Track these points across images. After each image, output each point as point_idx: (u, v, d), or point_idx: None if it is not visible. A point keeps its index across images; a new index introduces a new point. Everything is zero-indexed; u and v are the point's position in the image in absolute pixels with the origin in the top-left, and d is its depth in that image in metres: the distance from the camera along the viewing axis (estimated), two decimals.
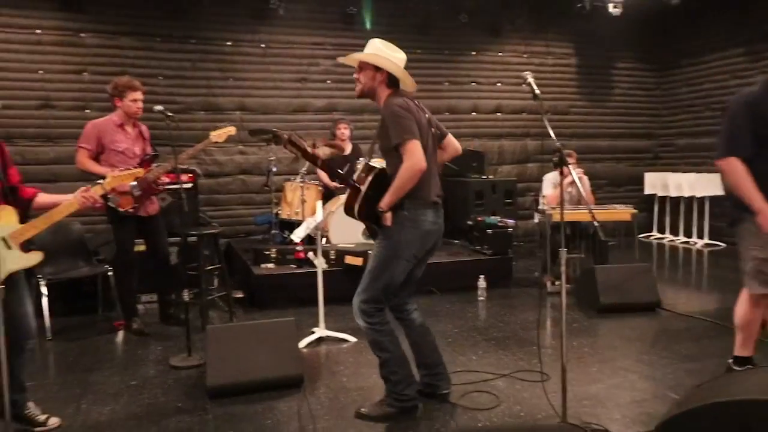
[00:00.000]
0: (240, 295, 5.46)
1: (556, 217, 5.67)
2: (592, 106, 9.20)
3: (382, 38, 3.14)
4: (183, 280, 4.66)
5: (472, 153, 7.76)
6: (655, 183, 9.04)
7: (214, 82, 7.31)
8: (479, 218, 6.21)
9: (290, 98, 7.64)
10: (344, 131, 6.69)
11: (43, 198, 2.83)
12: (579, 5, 7.99)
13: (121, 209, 4.37)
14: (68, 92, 6.73)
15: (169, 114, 4.13)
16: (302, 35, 7.62)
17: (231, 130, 4.78)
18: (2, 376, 2.29)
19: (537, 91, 2.84)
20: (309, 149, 3.19)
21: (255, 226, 7.27)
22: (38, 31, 6.61)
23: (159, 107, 4.24)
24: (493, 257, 5.93)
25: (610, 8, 7.76)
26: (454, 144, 3.25)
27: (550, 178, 6.11)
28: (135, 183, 4.30)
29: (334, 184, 6.67)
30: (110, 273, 4.85)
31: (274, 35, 7.50)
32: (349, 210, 3.01)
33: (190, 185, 5.59)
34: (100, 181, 2.88)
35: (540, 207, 6.01)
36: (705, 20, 8.54)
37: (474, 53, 8.50)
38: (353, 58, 3.05)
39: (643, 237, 9.16)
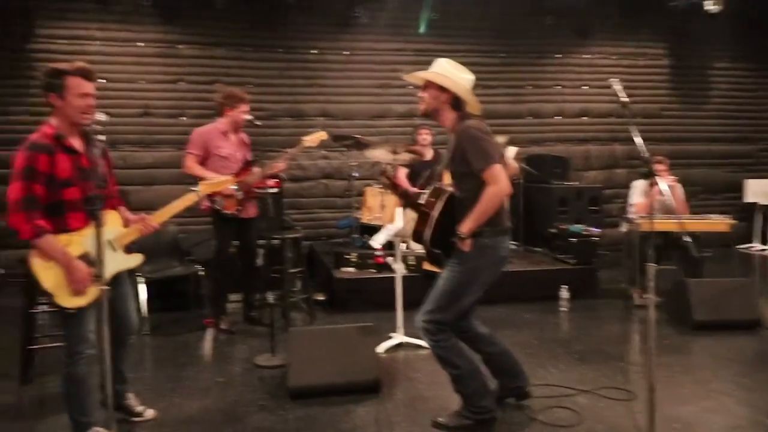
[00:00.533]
0: (321, 297, 5.60)
1: (646, 227, 5.42)
2: (687, 109, 8.71)
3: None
4: (267, 282, 4.86)
5: (556, 158, 7.56)
6: (757, 190, 8.44)
7: (299, 90, 7.53)
8: (562, 226, 6.05)
9: (371, 104, 7.75)
10: (425, 137, 6.68)
11: (122, 214, 2.99)
12: (673, 3, 7.60)
13: (225, 211, 4.60)
14: (165, 101, 7.15)
15: (258, 123, 4.33)
16: (384, 42, 7.72)
17: (323, 135, 4.93)
18: (107, 368, 2.47)
19: (624, 99, 2.74)
20: (402, 188, 3.34)
21: (337, 230, 7.42)
22: (140, 43, 7.07)
23: (248, 116, 4.47)
24: (576, 267, 5.75)
25: (706, 5, 7.33)
26: (511, 164, 3.30)
27: (639, 186, 5.85)
28: (237, 186, 4.55)
29: (415, 189, 6.70)
30: (201, 273, 5.11)
31: (357, 43, 7.64)
32: (418, 237, 3.00)
33: (276, 190, 5.77)
34: (195, 188, 3.04)
35: (628, 215, 5.77)
36: None
37: (559, 56, 8.28)
38: (418, 77, 3.03)
39: (742, 248, 8.57)
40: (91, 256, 2.62)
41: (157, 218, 2.89)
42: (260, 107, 7.31)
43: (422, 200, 3.03)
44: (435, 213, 2.94)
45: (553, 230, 6.23)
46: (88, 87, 2.69)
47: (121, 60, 7.03)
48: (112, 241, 2.75)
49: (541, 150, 8.05)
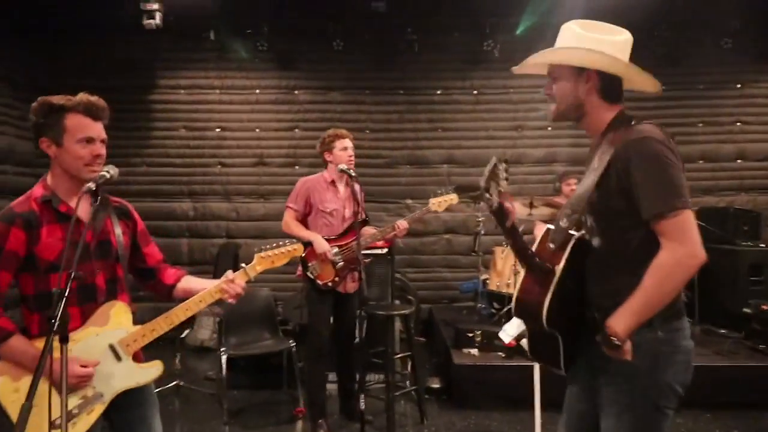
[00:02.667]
0: (436, 384, 4.45)
1: None
2: None
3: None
4: (367, 365, 3.88)
5: (742, 212, 5.86)
6: None
7: (421, 134, 6.64)
8: (764, 306, 4.41)
9: (504, 148, 6.62)
10: (574, 188, 5.40)
11: (187, 283, 2.15)
12: None
13: (319, 282, 3.71)
14: (280, 149, 6.60)
15: (352, 174, 3.45)
16: (519, 78, 6.60)
17: (453, 198, 3.96)
18: None
19: None
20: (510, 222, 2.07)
21: (461, 293, 6.30)
22: (257, 90, 6.63)
23: (342, 166, 3.60)
24: None
25: None
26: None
27: None
28: (338, 251, 3.69)
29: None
30: (293, 348, 4.23)
31: (487, 80, 6.62)
32: (523, 307, 1.83)
33: (384, 251, 4.82)
34: (243, 265, 2.15)
35: None
36: None
37: (739, 86, 6.61)
38: (537, 62, 1.90)
39: None
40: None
41: (183, 313, 2.01)
42: (377, 154, 6.56)
43: (534, 248, 1.88)
44: (558, 268, 1.75)
45: (747, 310, 4.60)
46: (95, 129, 1.91)
47: (238, 108, 6.63)
48: (115, 346, 1.91)
49: (717, 200, 6.39)
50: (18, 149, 6.27)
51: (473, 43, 6.38)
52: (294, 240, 2.25)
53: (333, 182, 3.85)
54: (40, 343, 1.77)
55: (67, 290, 1.55)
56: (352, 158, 3.81)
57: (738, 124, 6.60)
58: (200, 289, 2.04)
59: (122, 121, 6.52)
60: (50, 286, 1.80)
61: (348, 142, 3.82)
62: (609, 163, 1.72)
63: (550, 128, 6.62)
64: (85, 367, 1.81)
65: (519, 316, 1.92)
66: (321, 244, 3.67)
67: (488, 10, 6.14)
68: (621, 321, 1.65)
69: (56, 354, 1.60)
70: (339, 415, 4.00)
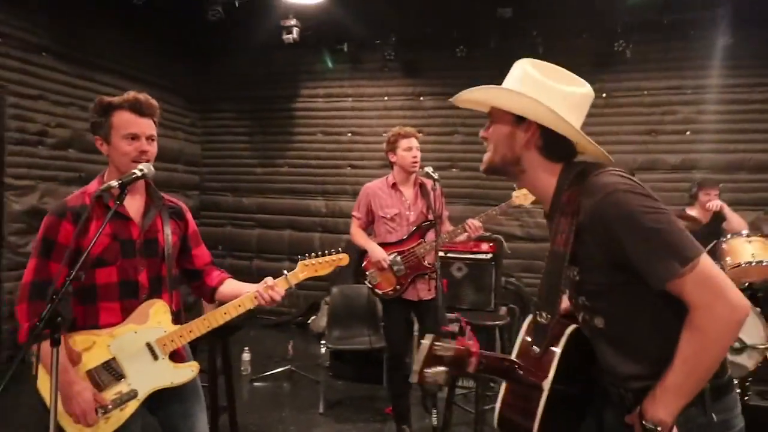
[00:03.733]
0: None
1: None
2: None
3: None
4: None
5: None
6: None
7: None
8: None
9: (635, 154, 5.75)
10: (713, 200, 4.42)
11: (230, 286, 2.00)
12: None
13: (379, 291, 3.33)
14: None
15: (436, 177, 3.04)
16: (654, 79, 5.68)
17: None
18: None
19: None
20: None
21: None
22: (385, 98, 6.48)
23: (428, 168, 3.17)
24: None
25: None
26: None
27: None
28: (397, 258, 3.28)
29: None
30: None
31: (618, 82, 5.78)
32: (507, 424, 1.35)
33: (488, 256, 4.32)
34: (286, 272, 1.90)
35: None
36: None
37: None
38: (468, 99, 1.48)
39: None
40: (116, 367, 1.67)
41: (221, 317, 1.81)
42: (470, 157, 6.04)
43: (516, 347, 1.40)
44: (545, 383, 1.29)
45: None
46: (140, 125, 1.77)
47: (369, 114, 6.54)
48: (152, 345, 1.77)
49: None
50: (186, 151, 6.79)
51: (603, 45, 5.62)
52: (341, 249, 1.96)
53: (395, 185, 3.39)
54: (77, 336, 1.69)
55: (63, 290, 1.41)
56: (417, 159, 3.32)
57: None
58: (241, 293, 1.83)
59: (269, 127, 6.80)
60: (95, 281, 1.70)
61: (413, 142, 3.32)
62: (577, 233, 1.28)
63: (688, 132, 5.62)
64: (95, 399, 1.70)
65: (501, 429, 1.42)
66: (374, 252, 3.28)
67: (618, 9, 5.31)
68: (662, 404, 1.21)
69: (90, 351, 1.48)
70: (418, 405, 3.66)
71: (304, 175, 6.73)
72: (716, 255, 4.04)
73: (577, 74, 5.39)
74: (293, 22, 5.59)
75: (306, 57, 6.54)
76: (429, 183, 3.35)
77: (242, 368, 4.40)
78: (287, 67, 6.65)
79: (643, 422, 1.21)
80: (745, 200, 5.33)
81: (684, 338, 1.19)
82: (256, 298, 1.85)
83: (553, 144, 1.37)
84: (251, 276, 1.87)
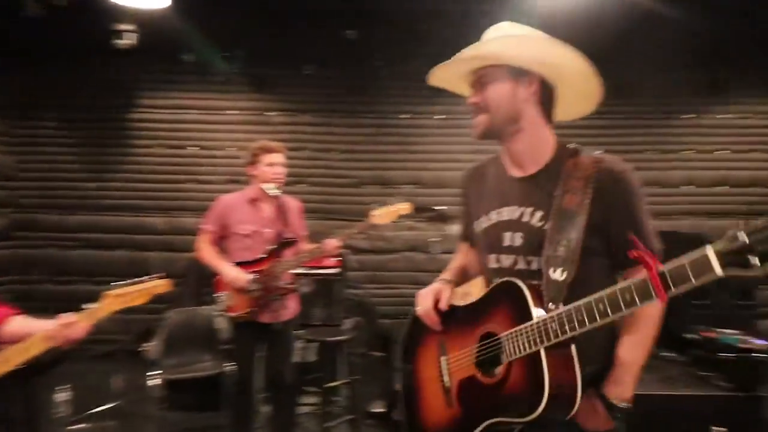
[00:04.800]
0: (379, 409, 4.06)
1: None
2: None
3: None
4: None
5: (687, 235, 5.57)
6: None
7: (388, 155, 6.35)
8: (707, 333, 4.06)
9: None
10: None
11: (17, 325, 1.76)
12: None
13: (231, 314, 3.10)
14: None
15: (273, 193, 3.04)
16: None
17: (403, 208, 3.36)
18: None
19: None
20: None
21: None
22: (233, 111, 6.33)
23: (278, 171, 3.15)
24: (730, 394, 3.73)
25: None
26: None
27: None
28: (253, 277, 3.10)
29: None
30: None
31: (453, 106, 6.32)
32: (559, 405, 1.26)
33: (334, 270, 4.43)
34: (88, 305, 1.73)
35: None
36: None
37: (689, 116, 6.36)
38: (467, 59, 1.45)
39: None
40: None
41: (15, 355, 1.63)
42: (345, 174, 6.24)
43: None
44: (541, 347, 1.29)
45: (691, 335, 4.25)
46: None
47: (214, 128, 6.31)
48: None
49: (667, 225, 6.09)
50: None
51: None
52: (160, 275, 1.83)
53: (255, 200, 3.22)
54: None
55: None
56: (279, 175, 3.16)
57: (688, 152, 6.34)
58: (30, 333, 1.65)
59: (102, 138, 6.23)
60: None
61: (276, 157, 3.17)
62: (592, 195, 1.33)
63: None
64: None
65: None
66: (229, 273, 3.08)
67: (453, 41, 5.83)
68: (624, 383, 1.36)
69: None
70: None
71: (141, 190, 6.24)
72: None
73: (416, 97, 5.82)
74: (128, 26, 5.21)
75: (147, 65, 6.11)
76: (290, 201, 3.28)
77: (58, 411, 3.77)
78: (124, 75, 6.13)
79: (612, 402, 1.32)
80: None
81: (642, 321, 1.34)
82: (48, 339, 1.65)
83: (549, 101, 1.42)
84: (77, 302, 1.68)
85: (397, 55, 6.05)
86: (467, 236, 1.73)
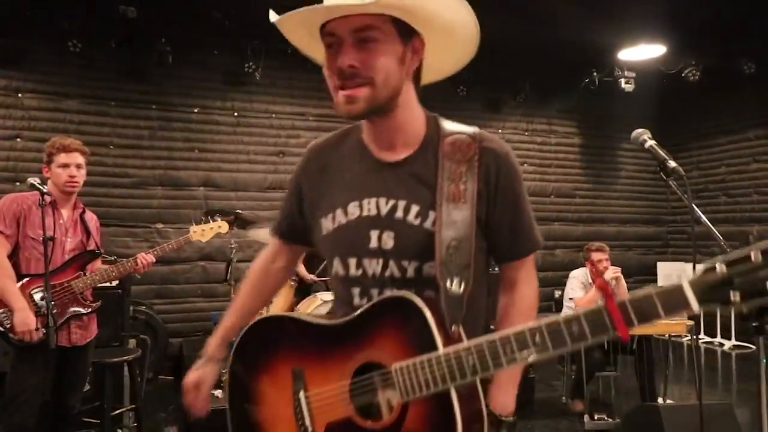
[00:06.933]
0: None
1: None
2: (599, 189, 7.64)
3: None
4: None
5: None
6: (671, 273, 7.33)
7: (176, 153, 5.66)
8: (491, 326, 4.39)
9: (265, 173, 5.99)
10: None
11: None
12: (587, 80, 6.59)
13: (14, 337, 2.54)
14: None
15: (45, 191, 2.46)
16: (281, 104, 6.07)
17: (221, 226, 3.27)
18: None
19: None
20: None
21: (215, 325, 5.40)
22: None
23: (33, 180, 2.56)
24: None
25: (622, 83, 6.35)
26: None
27: (578, 277, 4.39)
28: (40, 294, 2.57)
29: (312, 277, 4.91)
30: None
31: (249, 103, 5.95)
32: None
33: (114, 283, 3.74)
34: None
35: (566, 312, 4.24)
36: (720, 100, 7.11)
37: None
38: (351, 5, 1.03)
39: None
40: None
41: None
42: (124, 173, 5.42)
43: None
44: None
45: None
46: None
47: None
48: None
49: None
50: None
51: (234, 64, 5.67)
52: None
53: (53, 203, 2.73)
54: None
55: None
56: (76, 179, 2.74)
57: None
58: None
59: None
60: None
61: (74, 157, 2.73)
62: (486, 179, 1.13)
63: None
64: None
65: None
66: (22, 317, 2.54)
67: (248, 33, 5.48)
68: (507, 393, 1.16)
69: None
70: None
71: None
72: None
73: (208, 90, 5.28)
74: None
75: None
76: (89, 215, 2.91)
77: None
78: None
79: (498, 415, 1.12)
80: None
81: (522, 315, 1.18)
82: None
83: (419, 72, 1.16)
84: None
85: (186, 42, 5.46)
86: (288, 232, 1.39)
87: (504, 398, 1.15)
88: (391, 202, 1.15)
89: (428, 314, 1.03)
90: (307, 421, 1.15)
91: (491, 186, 1.14)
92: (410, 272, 1.13)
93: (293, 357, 1.19)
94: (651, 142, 1.73)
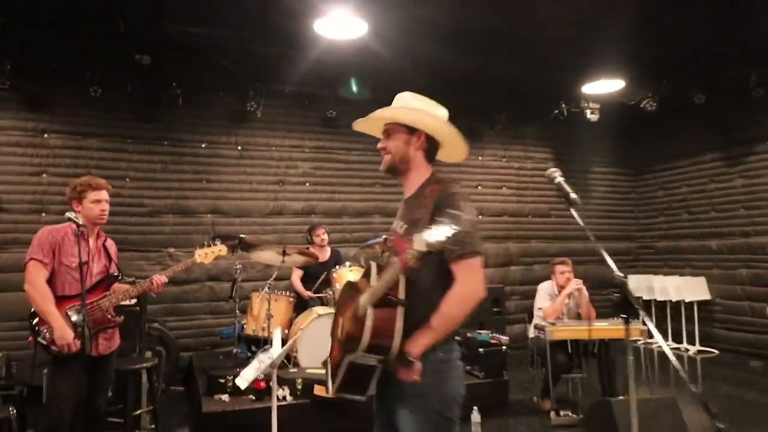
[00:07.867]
0: None
1: (557, 335, 4.48)
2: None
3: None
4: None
5: None
6: (640, 286, 7.92)
7: (186, 185, 6.23)
8: (468, 334, 4.94)
9: (266, 201, 6.57)
10: (323, 237, 5.60)
11: None
12: (556, 111, 7.25)
13: (54, 347, 2.93)
14: (24, 194, 5.58)
15: (80, 223, 2.95)
16: (280, 138, 6.68)
17: (221, 249, 3.59)
18: None
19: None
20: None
21: (221, 339, 5.92)
22: None
23: (70, 214, 3.05)
24: (486, 381, 4.61)
25: (588, 114, 7.01)
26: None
27: (545, 288, 4.95)
28: (76, 310, 2.98)
29: (309, 294, 5.46)
30: (13, 415, 3.42)
31: (251, 137, 6.55)
32: (378, 347, 1.72)
33: (133, 302, 4.27)
34: None
35: (536, 322, 4.80)
36: (677, 126, 7.77)
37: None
38: (378, 118, 2.05)
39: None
40: None
41: None
42: (139, 203, 5.97)
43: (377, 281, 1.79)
44: (403, 298, 1.75)
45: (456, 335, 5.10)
46: None
47: None
48: None
49: None
50: None
51: (237, 104, 6.29)
52: None
53: (82, 234, 3.08)
54: None
55: None
56: (105, 212, 3.17)
57: (478, 187, 7.56)
58: None
59: None
60: None
61: (104, 194, 3.17)
62: (427, 210, 1.84)
63: (307, 184, 6.76)
64: None
65: (351, 363, 1.78)
66: (61, 333, 2.94)
67: (250, 76, 6.12)
68: (421, 339, 1.75)
69: None
70: None
71: None
72: (329, 282, 5.12)
73: (214, 127, 6.03)
74: None
75: None
76: (109, 242, 3.30)
77: None
78: None
79: (403, 353, 1.71)
80: (349, 239, 6.76)
81: (447, 300, 1.77)
82: None
83: (432, 148, 2.00)
84: None
85: (194, 85, 6.07)
86: None
87: (412, 343, 1.74)
88: (399, 222, 2.04)
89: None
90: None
91: (437, 210, 1.80)
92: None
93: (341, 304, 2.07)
94: (560, 179, 2.13)
